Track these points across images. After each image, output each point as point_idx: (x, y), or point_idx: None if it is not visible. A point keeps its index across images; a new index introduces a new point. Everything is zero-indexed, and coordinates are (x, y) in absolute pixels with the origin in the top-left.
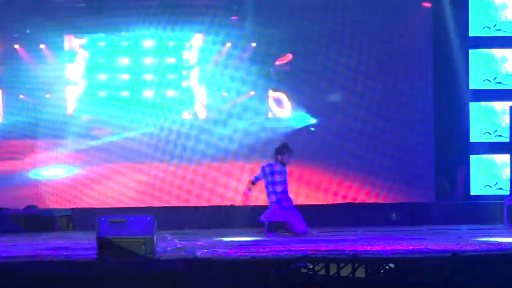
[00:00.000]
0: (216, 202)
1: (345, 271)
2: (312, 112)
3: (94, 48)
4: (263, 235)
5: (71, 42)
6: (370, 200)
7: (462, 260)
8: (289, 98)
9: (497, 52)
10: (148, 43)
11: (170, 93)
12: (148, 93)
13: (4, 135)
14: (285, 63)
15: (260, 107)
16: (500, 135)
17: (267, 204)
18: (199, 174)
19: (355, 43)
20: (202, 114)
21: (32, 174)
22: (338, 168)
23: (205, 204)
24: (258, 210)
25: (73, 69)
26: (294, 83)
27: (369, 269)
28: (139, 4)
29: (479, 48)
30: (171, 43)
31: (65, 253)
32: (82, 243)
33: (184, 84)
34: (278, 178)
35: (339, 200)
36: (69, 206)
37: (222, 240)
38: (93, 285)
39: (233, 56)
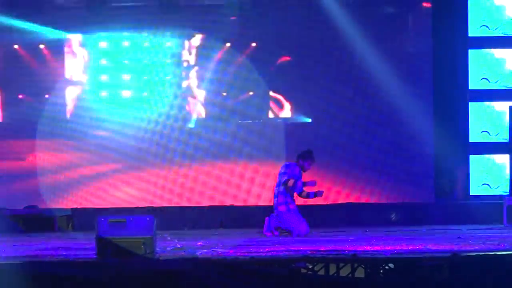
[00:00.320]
0: (216, 201)
1: (345, 271)
2: (312, 112)
3: (94, 48)
4: (262, 235)
5: (71, 42)
6: (370, 200)
7: (461, 260)
8: (289, 98)
9: (497, 52)
10: (148, 43)
11: (170, 93)
12: (148, 93)
13: (3, 135)
14: (285, 63)
15: (259, 107)
16: (497, 134)
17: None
18: (198, 174)
19: (354, 43)
20: (201, 114)
21: (31, 174)
22: (337, 168)
23: (204, 204)
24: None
25: (73, 69)
26: (294, 83)
27: (369, 269)
28: (139, 4)
29: (479, 48)
30: (170, 43)
31: (65, 253)
32: (82, 243)
33: (184, 84)
34: (277, 180)
35: (338, 200)
36: (69, 206)
37: (221, 240)
38: (93, 285)
39: (232, 56)
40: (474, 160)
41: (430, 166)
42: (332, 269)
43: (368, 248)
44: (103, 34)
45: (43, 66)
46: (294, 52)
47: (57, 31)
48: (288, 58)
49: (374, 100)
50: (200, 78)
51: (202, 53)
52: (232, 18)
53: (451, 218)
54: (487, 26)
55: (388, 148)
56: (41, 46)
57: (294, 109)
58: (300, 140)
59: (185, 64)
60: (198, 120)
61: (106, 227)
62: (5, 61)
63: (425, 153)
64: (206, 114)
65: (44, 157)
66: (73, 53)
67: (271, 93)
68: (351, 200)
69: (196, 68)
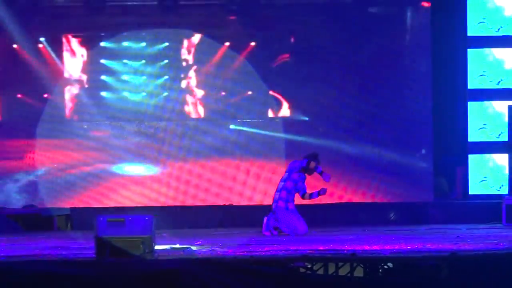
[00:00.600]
0: (213, 201)
1: (344, 271)
2: (310, 112)
3: (93, 48)
4: (261, 234)
5: (70, 41)
6: (369, 199)
7: (460, 260)
8: (288, 98)
9: (496, 52)
10: (147, 43)
11: (169, 93)
12: (147, 93)
13: (3, 135)
14: (284, 63)
15: (258, 106)
16: (498, 134)
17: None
18: (197, 173)
19: (353, 42)
20: (200, 113)
21: (31, 174)
22: (337, 168)
23: (204, 204)
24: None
25: (72, 68)
26: (293, 83)
27: (368, 268)
28: (138, 4)
29: (478, 47)
30: (170, 43)
31: (64, 253)
32: (81, 242)
33: (183, 83)
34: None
35: (337, 200)
36: (67, 205)
37: (220, 239)
38: (91, 285)
39: (232, 55)
40: (473, 159)
41: (429, 165)
42: (331, 269)
43: (367, 247)
44: (102, 34)
45: (42, 65)
46: (293, 52)
47: (56, 30)
48: (287, 57)
49: (373, 99)
50: (199, 77)
51: (201, 52)
52: (232, 17)
53: (450, 217)
54: (486, 25)
55: (387, 147)
56: (40, 46)
57: (293, 108)
58: (300, 139)
59: (184, 63)
60: (197, 119)
61: (105, 226)
62: (4, 60)
63: (424, 152)
64: (204, 113)
65: (42, 156)
66: (72, 52)
67: (270, 92)
68: (350, 200)
69: (195, 67)
